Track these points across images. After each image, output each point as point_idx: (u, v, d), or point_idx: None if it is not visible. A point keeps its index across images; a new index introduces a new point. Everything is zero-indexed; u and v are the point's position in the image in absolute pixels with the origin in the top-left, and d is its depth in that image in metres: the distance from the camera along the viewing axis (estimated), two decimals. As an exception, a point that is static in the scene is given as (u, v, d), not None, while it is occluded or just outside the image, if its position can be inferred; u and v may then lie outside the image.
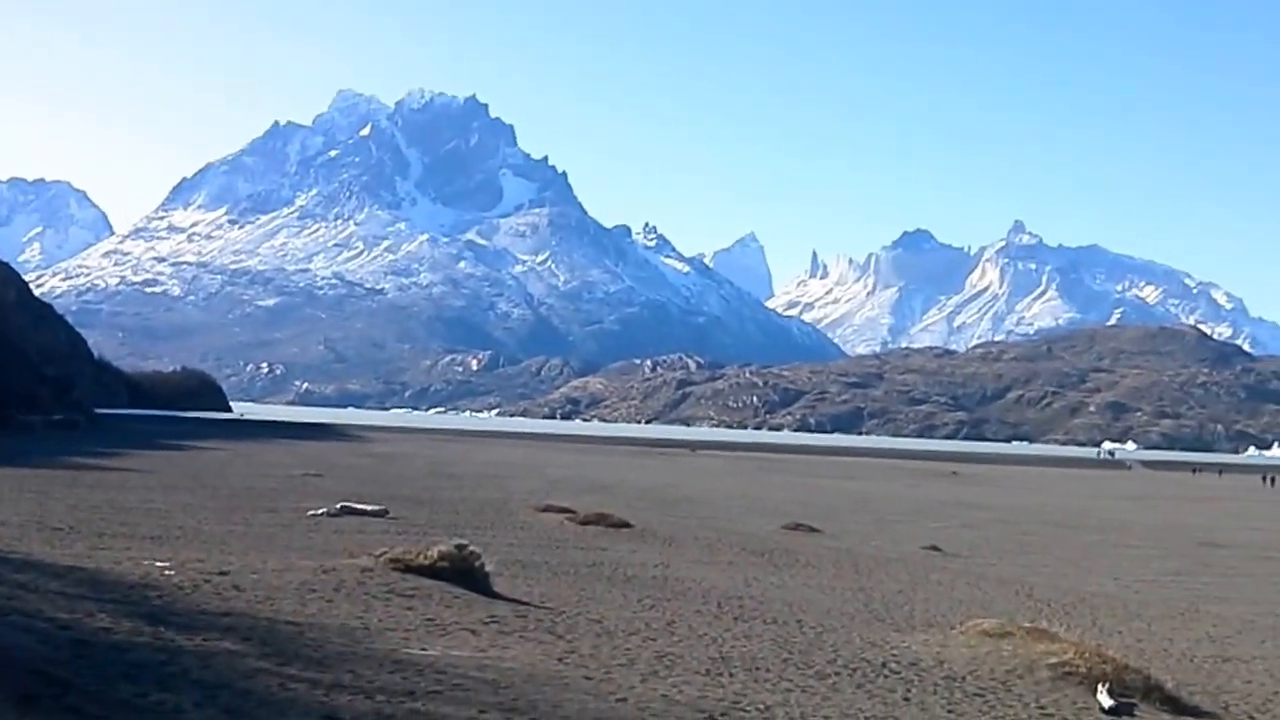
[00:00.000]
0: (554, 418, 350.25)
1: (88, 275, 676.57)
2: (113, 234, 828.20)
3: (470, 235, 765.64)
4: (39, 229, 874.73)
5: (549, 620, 12.53)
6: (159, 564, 13.42)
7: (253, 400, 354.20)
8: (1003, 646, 12.09)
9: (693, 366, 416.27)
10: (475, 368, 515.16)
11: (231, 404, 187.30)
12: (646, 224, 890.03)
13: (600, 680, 9.64)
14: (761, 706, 9.30)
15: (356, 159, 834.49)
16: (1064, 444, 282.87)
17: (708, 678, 10.26)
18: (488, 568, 14.26)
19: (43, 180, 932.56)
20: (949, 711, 9.84)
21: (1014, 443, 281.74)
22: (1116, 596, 21.36)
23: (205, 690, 7.77)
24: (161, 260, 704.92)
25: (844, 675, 10.94)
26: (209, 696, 7.63)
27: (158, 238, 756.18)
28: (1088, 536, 35.44)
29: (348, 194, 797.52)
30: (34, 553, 14.18)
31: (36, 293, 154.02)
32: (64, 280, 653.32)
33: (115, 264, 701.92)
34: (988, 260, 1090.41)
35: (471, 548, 14.34)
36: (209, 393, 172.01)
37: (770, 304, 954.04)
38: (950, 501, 50.38)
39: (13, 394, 68.71)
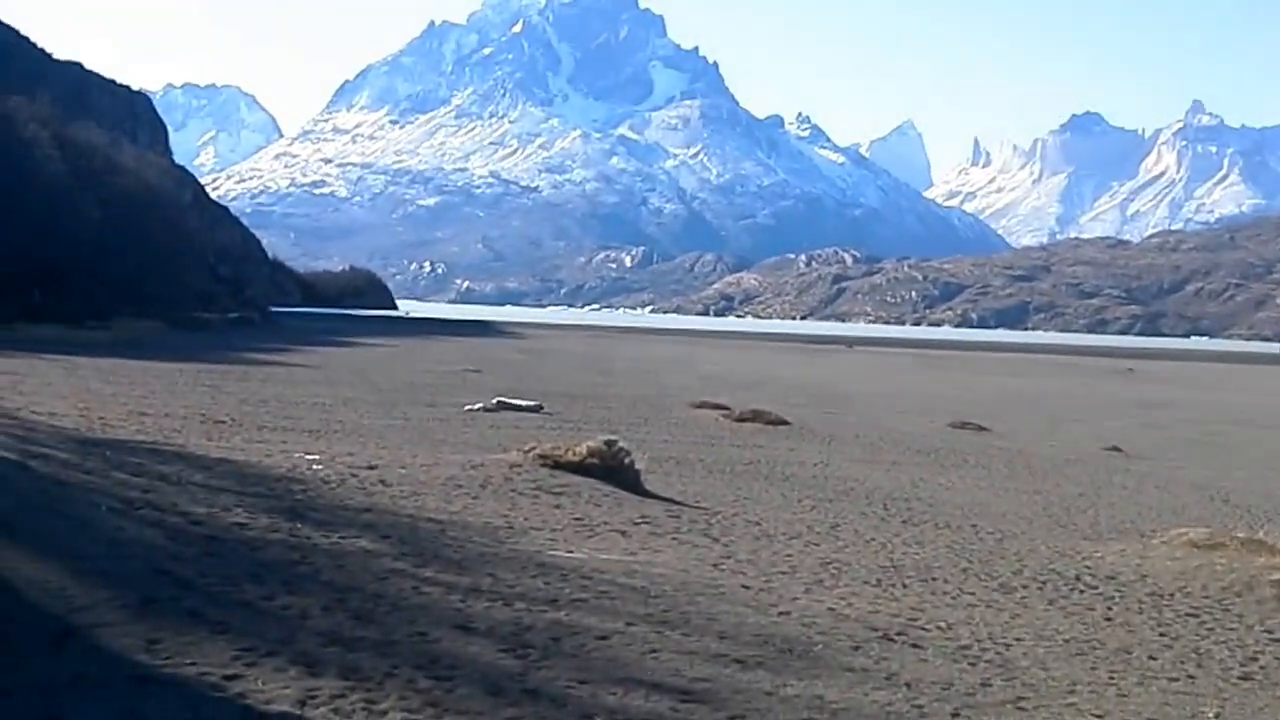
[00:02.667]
0: (708, 314, 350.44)
1: (260, 178, 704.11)
2: (281, 136, 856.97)
3: (622, 130, 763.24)
4: (212, 133, 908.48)
5: (703, 521, 11.77)
6: (309, 457, 13.22)
7: (416, 298, 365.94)
8: (1215, 560, 10.76)
9: (849, 261, 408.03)
10: (629, 264, 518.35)
11: (397, 302, 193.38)
12: (800, 114, 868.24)
13: (760, 590, 8.82)
14: (943, 624, 8.29)
15: (510, 56, 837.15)
16: (1248, 339, 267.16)
17: (879, 589, 9.33)
18: (639, 465, 13.63)
19: (214, 85, 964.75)
20: (1160, 635, 8.61)
21: (1193, 338, 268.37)
22: (1327, 504, 19.34)
23: (335, 593, 7.27)
24: (328, 162, 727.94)
25: (1033, 589, 9.84)
26: (338, 600, 7.13)
27: (324, 139, 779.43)
28: (1285, 437, 32.75)
29: (501, 92, 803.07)
30: (189, 444, 14.18)
31: (212, 195, 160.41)
32: (238, 183, 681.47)
33: (285, 166, 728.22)
34: (1164, 143, 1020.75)
35: (621, 444, 13.72)
36: (376, 291, 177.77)
37: (929, 194, 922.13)
38: (1128, 400, 47.53)
39: (192, 292, 71.98)
